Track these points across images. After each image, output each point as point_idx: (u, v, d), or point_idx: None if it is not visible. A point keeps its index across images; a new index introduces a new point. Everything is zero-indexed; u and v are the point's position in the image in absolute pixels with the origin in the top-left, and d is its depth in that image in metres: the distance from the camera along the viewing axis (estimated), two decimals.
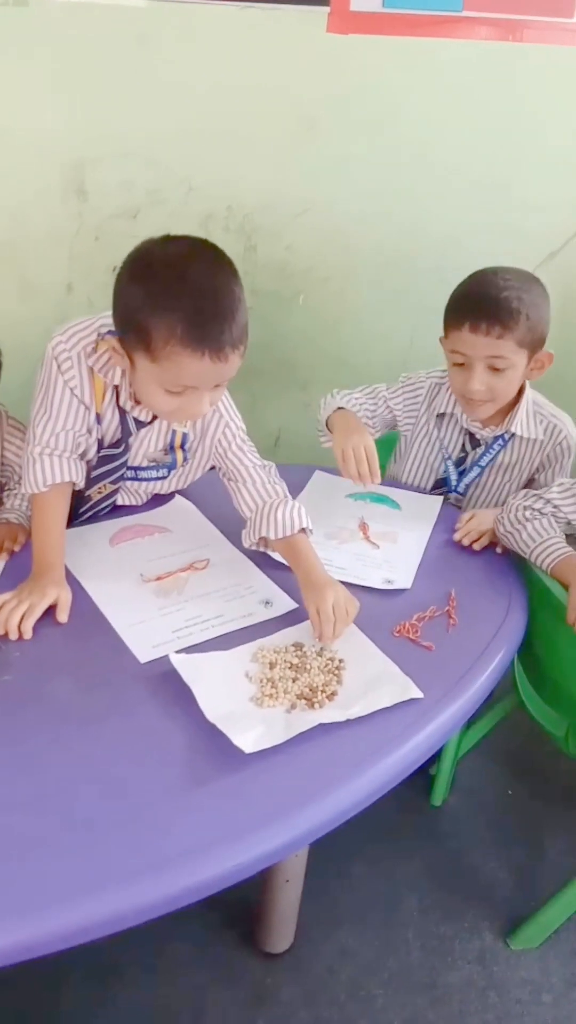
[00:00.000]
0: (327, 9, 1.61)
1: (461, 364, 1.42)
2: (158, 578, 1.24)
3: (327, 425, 1.54)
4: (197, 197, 1.75)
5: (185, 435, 1.33)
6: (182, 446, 1.35)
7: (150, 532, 1.36)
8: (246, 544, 1.31)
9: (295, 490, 1.49)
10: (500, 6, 1.67)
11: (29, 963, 0.77)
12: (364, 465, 1.38)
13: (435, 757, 1.67)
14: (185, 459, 1.37)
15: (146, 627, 1.13)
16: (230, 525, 1.37)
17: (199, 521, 1.39)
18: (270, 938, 1.39)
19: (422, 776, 1.72)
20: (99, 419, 1.26)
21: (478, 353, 1.38)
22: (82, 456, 1.28)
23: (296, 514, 1.25)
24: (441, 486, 1.60)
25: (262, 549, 1.30)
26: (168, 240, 1.13)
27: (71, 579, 1.20)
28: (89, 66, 1.60)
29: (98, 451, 1.29)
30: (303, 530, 1.24)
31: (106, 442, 1.29)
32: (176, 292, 1.06)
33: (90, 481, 1.31)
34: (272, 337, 1.91)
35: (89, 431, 1.26)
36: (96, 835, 0.84)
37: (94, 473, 1.31)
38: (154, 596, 1.21)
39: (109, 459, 1.30)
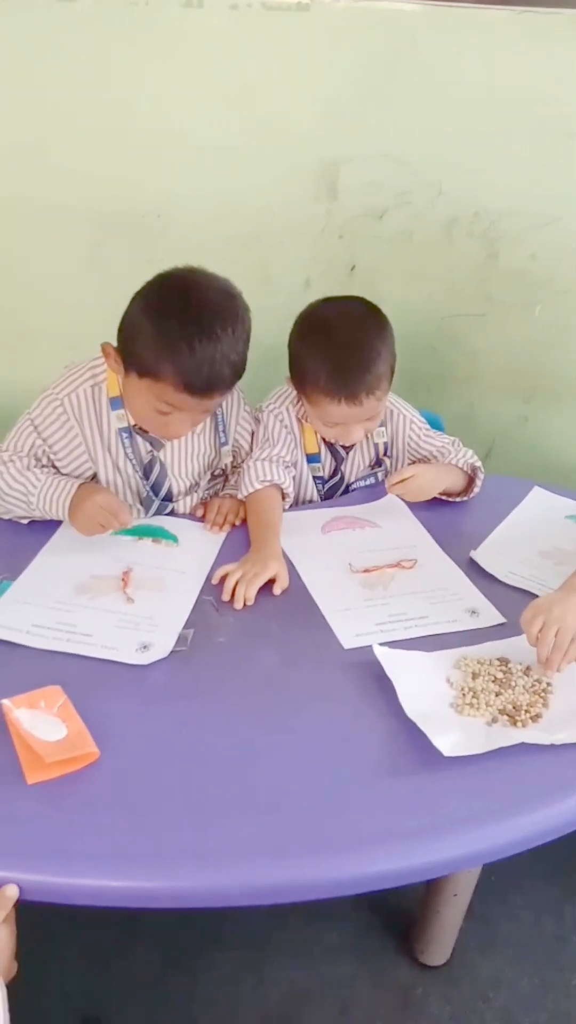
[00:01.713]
0: None
1: None
2: (366, 570, 1.27)
3: None
4: (444, 201, 1.74)
5: (386, 444, 1.50)
6: (386, 454, 1.51)
7: (361, 525, 1.39)
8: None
9: (509, 504, 1.47)
10: None
11: (189, 915, 0.81)
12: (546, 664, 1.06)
13: None
14: (391, 463, 1.53)
15: (351, 615, 1.16)
16: (442, 531, 1.37)
17: (411, 521, 1.41)
18: (427, 949, 1.37)
19: None
20: (315, 457, 1.46)
21: None
22: (296, 486, 1.46)
23: (472, 456, 1.46)
24: None
25: None
26: (327, 302, 1.36)
27: (285, 560, 1.25)
28: (357, 67, 1.64)
29: (320, 489, 1.49)
30: (474, 470, 1.45)
31: (326, 475, 1.48)
32: (323, 347, 1.29)
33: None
34: (501, 346, 1.87)
35: (295, 465, 1.45)
36: (283, 805, 0.87)
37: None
38: (360, 587, 1.23)
39: (332, 490, 1.50)
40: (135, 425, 1.31)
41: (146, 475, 1.34)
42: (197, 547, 1.30)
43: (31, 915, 0.80)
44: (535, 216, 1.74)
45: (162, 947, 1.40)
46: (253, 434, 1.45)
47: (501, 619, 1.17)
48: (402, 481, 1.36)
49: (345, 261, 1.83)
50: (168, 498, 1.37)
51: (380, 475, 1.52)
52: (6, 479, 1.28)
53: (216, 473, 1.46)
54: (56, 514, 1.27)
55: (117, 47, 1.64)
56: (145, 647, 1.07)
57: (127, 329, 1.19)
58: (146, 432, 1.31)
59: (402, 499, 1.42)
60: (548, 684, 1.04)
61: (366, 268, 1.82)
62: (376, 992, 1.36)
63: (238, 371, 1.22)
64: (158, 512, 1.38)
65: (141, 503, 1.36)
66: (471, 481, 1.46)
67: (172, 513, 1.39)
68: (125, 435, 1.31)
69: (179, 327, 1.13)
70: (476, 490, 1.45)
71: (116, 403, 1.29)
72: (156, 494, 1.36)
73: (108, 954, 1.39)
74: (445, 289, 1.83)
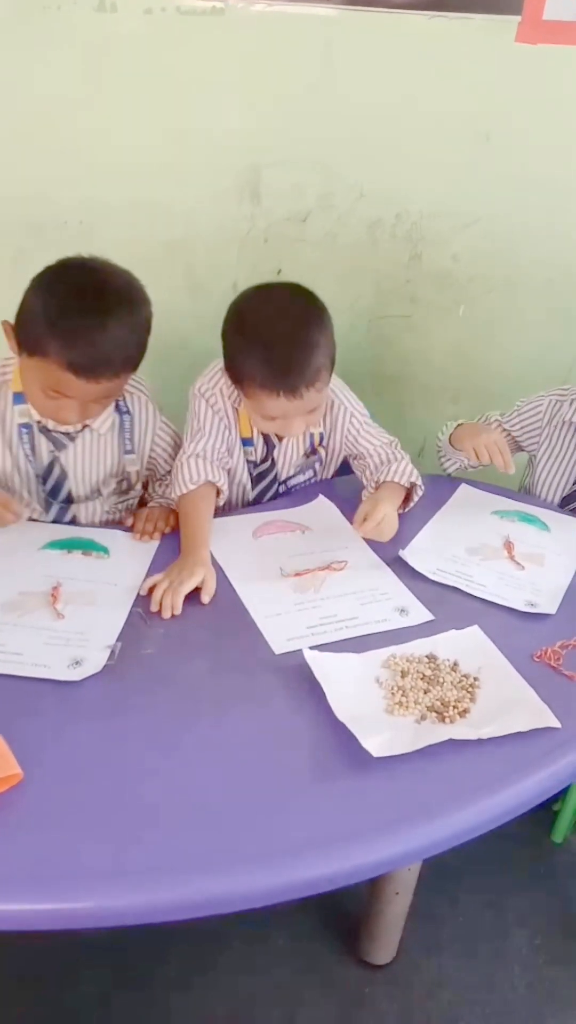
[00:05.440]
0: (518, 18, 1.57)
1: None
2: (297, 574, 1.26)
3: (450, 444, 1.56)
4: (367, 203, 1.76)
5: (321, 434, 1.47)
6: (321, 443, 1.49)
7: (292, 529, 1.39)
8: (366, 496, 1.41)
9: (439, 502, 1.48)
10: None
11: (135, 929, 0.80)
12: (499, 456, 1.43)
13: (561, 792, 1.61)
14: (326, 455, 1.51)
15: (282, 620, 1.16)
16: None
17: (340, 523, 1.41)
18: (372, 948, 1.38)
19: (545, 811, 1.65)
20: (249, 441, 1.42)
21: None
22: (228, 472, 1.42)
23: (413, 473, 1.42)
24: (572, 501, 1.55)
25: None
26: (260, 290, 1.32)
27: (215, 567, 1.24)
28: (274, 72, 1.65)
29: (252, 472, 1.46)
30: (413, 485, 1.41)
31: (257, 459, 1.45)
32: (259, 340, 1.23)
33: (251, 504, 1.46)
34: (428, 346, 1.90)
35: (229, 451, 1.41)
36: (217, 815, 0.86)
37: (253, 493, 1.48)
38: (292, 591, 1.23)
39: (263, 476, 1.47)
40: (39, 423, 1.29)
41: (45, 476, 1.33)
42: (128, 558, 1.28)
43: None
44: (456, 217, 1.76)
45: (105, 965, 1.38)
46: (174, 446, 1.43)
47: (430, 616, 1.18)
48: (366, 521, 1.30)
49: (271, 264, 1.83)
50: (68, 500, 1.36)
51: (316, 468, 1.51)
52: None
53: (124, 488, 1.42)
54: None
55: (32, 52, 1.62)
56: (77, 663, 1.05)
57: (22, 308, 1.18)
58: (50, 431, 1.30)
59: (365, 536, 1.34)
60: (475, 679, 1.05)
61: (292, 271, 1.82)
62: (323, 994, 1.36)
63: (129, 360, 1.20)
64: (58, 517, 1.36)
65: (40, 504, 1.35)
66: (408, 496, 1.43)
67: (74, 521, 1.38)
68: (25, 431, 1.29)
69: (69, 304, 1.13)
70: (412, 505, 1.43)
71: (19, 398, 1.27)
72: (55, 497, 1.34)
73: (50, 979, 1.36)
74: (371, 291, 1.85)
